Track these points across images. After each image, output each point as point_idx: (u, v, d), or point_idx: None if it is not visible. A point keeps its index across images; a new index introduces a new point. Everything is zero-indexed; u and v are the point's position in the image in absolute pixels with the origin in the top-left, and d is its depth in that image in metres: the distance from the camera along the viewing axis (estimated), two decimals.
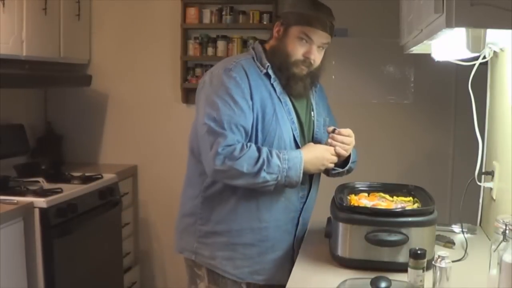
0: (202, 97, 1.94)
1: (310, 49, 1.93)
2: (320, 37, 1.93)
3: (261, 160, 1.82)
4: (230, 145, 1.82)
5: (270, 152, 1.85)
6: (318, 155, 1.93)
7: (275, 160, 1.83)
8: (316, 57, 1.94)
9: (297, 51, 1.92)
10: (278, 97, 1.95)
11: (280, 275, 1.99)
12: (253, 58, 1.98)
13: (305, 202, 2.04)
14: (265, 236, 1.97)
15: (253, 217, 1.95)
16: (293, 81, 1.96)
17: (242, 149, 1.82)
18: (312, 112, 2.07)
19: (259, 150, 1.84)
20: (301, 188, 2.00)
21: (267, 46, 2.02)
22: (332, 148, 1.95)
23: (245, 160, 1.81)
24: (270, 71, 1.95)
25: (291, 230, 2.03)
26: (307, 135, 2.04)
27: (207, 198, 1.97)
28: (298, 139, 1.97)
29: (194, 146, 1.99)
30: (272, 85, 1.95)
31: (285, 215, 2.00)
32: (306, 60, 1.93)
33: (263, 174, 1.82)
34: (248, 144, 1.86)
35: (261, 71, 1.95)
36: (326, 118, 2.12)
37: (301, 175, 1.87)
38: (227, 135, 1.83)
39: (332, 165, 1.97)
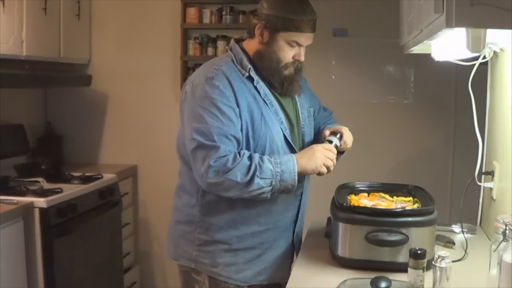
0: (186, 110, 1.88)
1: (299, 51, 1.91)
2: (309, 38, 1.90)
3: (253, 167, 1.77)
4: (222, 157, 1.77)
5: (261, 158, 1.81)
6: (311, 154, 1.87)
7: (267, 164, 1.79)
8: (303, 56, 1.93)
9: (288, 55, 1.90)
10: (263, 99, 1.90)
11: (282, 273, 2.00)
12: (232, 60, 1.92)
13: (301, 198, 2.03)
14: (265, 237, 1.96)
15: (253, 222, 1.93)
16: (287, 83, 1.94)
17: (235, 159, 1.78)
18: (296, 106, 2.04)
19: (250, 157, 1.80)
20: (298, 185, 1.97)
21: (247, 47, 1.96)
22: (330, 146, 1.91)
23: (238, 170, 1.76)
24: (252, 74, 1.90)
25: (290, 227, 2.03)
26: (297, 131, 2.01)
27: (204, 206, 1.93)
28: (289, 138, 1.94)
29: (183, 154, 1.94)
30: (255, 87, 1.90)
31: (284, 215, 1.99)
32: (295, 61, 1.92)
33: (256, 180, 1.77)
34: (241, 152, 1.81)
35: (243, 74, 1.90)
36: (309, 109, 2.09)
37: (296, 177, 1.82)
38: (219, 147, 1.78)
39: (331, 164, 1.89)
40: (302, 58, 1.92)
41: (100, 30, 3.83)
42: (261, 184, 1.78)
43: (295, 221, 2.04)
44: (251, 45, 1.95)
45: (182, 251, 2.01)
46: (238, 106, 1.84)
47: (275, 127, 1.91)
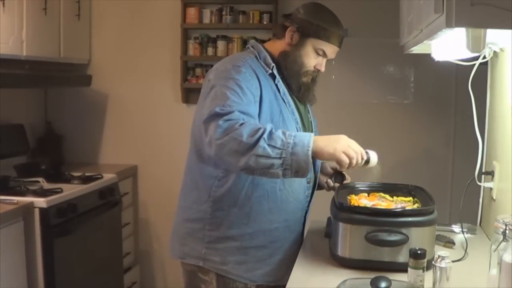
0: (207, 93, 1.86)
1: (322, 62, 1.98)
2: (334, 52, 1.98)
3: (261, 130, 1.66)
4: (233, 119, 1.70)
5: (275, 129, 1.70)
6: (335, 138, 1.74)
7: (278, 133, 1.67)
8: (324, 68, 1.99)
9: (311, 63, 1.96)
10: (282, 98, 1.94)
11: (289, 275, 2.00)
12: (256, 57, 1.96)
13: (309, 201, 2.05)
14: (276, 237, 1.96)
15: (264, 219, 1.93)
16: (304, 89, 1.99)
17: (245, 122, 1.69)
18: (308, 114, 2.10)
19: (263, 125, 1.71)
20: (307, 187, 2.00)
21: (270, 47, 2.00)
22: (355, 143, 1.80)
23: (245, 130, 1.65)
24: (275, 72, 1.94)
25: (299, 229, 2.04)
26: None
27: (216, 202, 1.92)
28: None
29: (201, 147, 1.91)
30: (276, 85, 1.94)
31: (294, 215, 2.00)
32: (315, 71, 1.99)
33: (262, 143, 1.63)
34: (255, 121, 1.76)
35: (266, 71, 1.94)
36: (316, 121, 2.16)
37: (310, 154, 1.66)
38: (233, 111, 1.71)
39: (353, 155, 1.74)
40: (323, 69, 1.98)
41: (100, 30, 3.83)
42: (268, 151, 1.64)
43: (303, 224, 2.05)
44: (277, 46, 1.99)
45: (190, 249, 1.99)
46: (261, 97, 1.86)
47: (291, 125, 1.93)
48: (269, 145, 1.65)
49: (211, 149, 1.71)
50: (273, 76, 1.94)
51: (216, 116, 1.72)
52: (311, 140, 1.68)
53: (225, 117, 1.70)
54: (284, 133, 1.69)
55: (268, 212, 1.93)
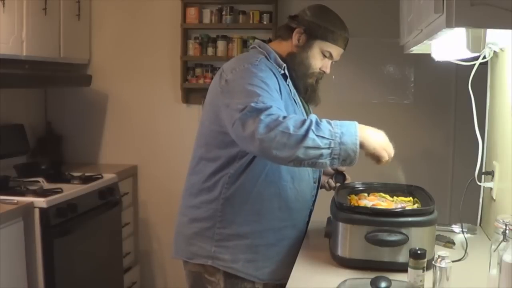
0: (230, 93, 1.81)
1: (327, 64, 1.99)
2: (339, 54, 1.99)
3: (308, 122, 1.65)
4: (273, 114, 1.67)
5: (318, 118, 1.70)
6: (377, 131, 1.78)
7: (324, 124, 1.67)
8: (329, 69, 2.01)
9: (317, 65, 1.97)
10: (293, 98, 1.96)
11: None
12: (265, 57, 1.95)
13: (314, 201, 2.06)
14: (284, 234, 1.97)
15: (274, 217, 1.93)
16: (310, 90, 2.01)
17: (286, 116, 1.68)
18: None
19: (305, 117, 1.72)
20: (313, 187, 2.02)
21: (276, 48, 2.00)
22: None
23: (291, 123, 1.64)
24: (286, 72, 1.96)
25: (303, 228, 2.05)
26: None
27: (228, 199, 1.91)
28: None
29: (211, 146, 1.92)
30: (287, 85, 1.96)
31: (300, 214, 2.02)
32: (321, 73, 2.00)
33: (311, 135, 1.63)
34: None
35: (278, 71, 1.94)
36: None
37: (358, 143, 1.67)
38: (271, 106, 1.69)
39: (391, 155, 1.81)
40: (328, 71, 2.00)
41: (100, 30, 3.83)
42: (318, 142, 1.63)
43: (307, 223, 2.07)
44: (283, 47, 2.00)
45: (198, 249, 1.97)
46: (280, 96, 1.87)
47: None
48: (318, 136, 1.64)
49: (253, 144, 1.68)
50: (284, 77, 1.95)
51: (254, 111, 1.69)
52: (357, 130, 1.69)
53: (266, 112, 1.67)
54: (329, 123, 1.69)
55: (278, 210, 1.94)
